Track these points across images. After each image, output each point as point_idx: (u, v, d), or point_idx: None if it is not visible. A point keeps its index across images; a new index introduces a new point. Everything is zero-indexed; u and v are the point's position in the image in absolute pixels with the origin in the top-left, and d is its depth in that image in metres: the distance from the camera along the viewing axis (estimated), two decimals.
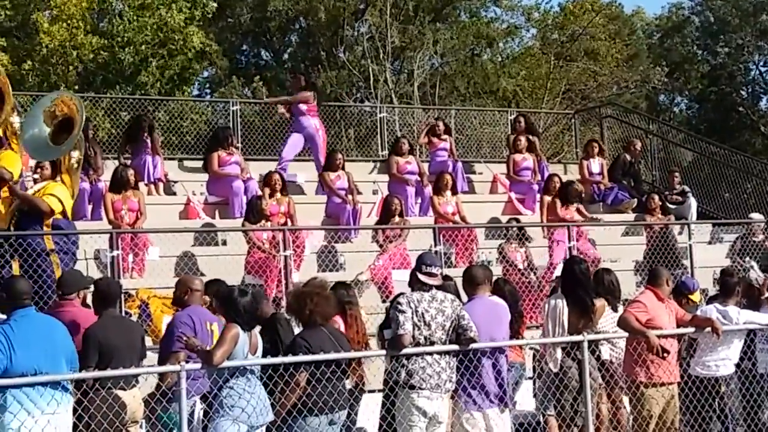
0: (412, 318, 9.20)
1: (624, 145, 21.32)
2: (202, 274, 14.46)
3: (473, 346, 9.40)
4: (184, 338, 8.96)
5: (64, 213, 11.87)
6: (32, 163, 12.64)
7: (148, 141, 17.12)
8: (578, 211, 17.37)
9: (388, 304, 13.87)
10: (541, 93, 35.45)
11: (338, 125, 27.17)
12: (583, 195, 18.07)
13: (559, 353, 10.39)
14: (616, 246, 17.84)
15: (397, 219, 15.96)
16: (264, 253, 14.32)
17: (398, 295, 9.56)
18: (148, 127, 17.33)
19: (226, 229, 15.83)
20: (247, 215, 15.16)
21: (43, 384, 7.90)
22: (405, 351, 9.15)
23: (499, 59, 37.85)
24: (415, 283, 9.50)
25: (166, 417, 9.45)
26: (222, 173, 16.96)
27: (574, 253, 14.88)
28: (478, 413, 9.62)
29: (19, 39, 29.51)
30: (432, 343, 9.25)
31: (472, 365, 9.50)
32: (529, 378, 11.92)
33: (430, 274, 9.48)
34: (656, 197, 18.84)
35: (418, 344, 9.20)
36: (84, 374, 8.38)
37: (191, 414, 9.07)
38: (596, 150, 20.30)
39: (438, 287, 9.55)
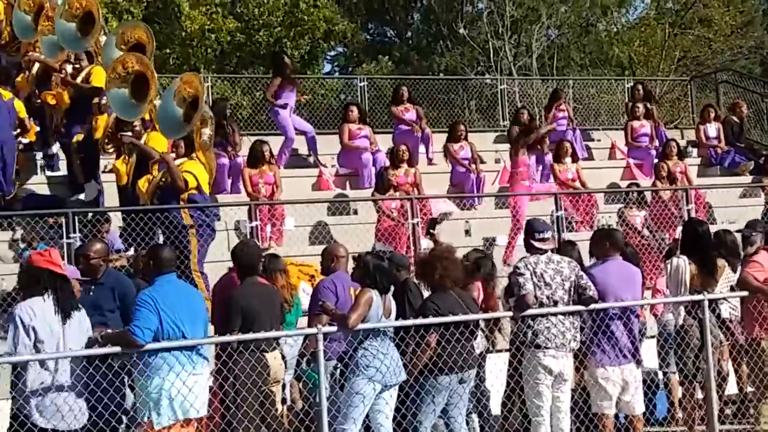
0: (532, 279, 9.20)
1: (728, 107, 20.85)
2: (336, 242, 14.62)
3: (593, 306, 9.32)
4: (320, 303, 9.04)
5: (199, 188, 12.03)
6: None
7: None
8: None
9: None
10: (657, 61, 34.79)
11: (461, 98, 27.12)
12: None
13: (682, 312, 10.23)
14: (733, 208, 17.42)
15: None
16: (393, 221, 14.36)
17: (520, 260, 9.55)
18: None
19: (357, 199, 15.88)
20: (376, 186, 15.20)
21: (189, 348, 7.98)
22: (531, 312, 9.12)
23: (614, 30, 37.25)
24: (530, 249, 9.51)
25: (306, 377, 9.56)
26: (352, 146, 17.03)
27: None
28: (612, 368, 9.54)
29: (160, 24, 30.03)
30: (555, 303, 9.23)
31: (604, 325, 9.43)
32: (651, 337, 11.74)
33: (544, 239, 9.49)
34: None
35: (541, 304, 9.18)
36: (228, 337, 8.47)
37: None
38: (712, 115, 19.89)
39: (555, 251, 9.54)
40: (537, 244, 9.44)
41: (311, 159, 17.59)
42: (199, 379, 8.09)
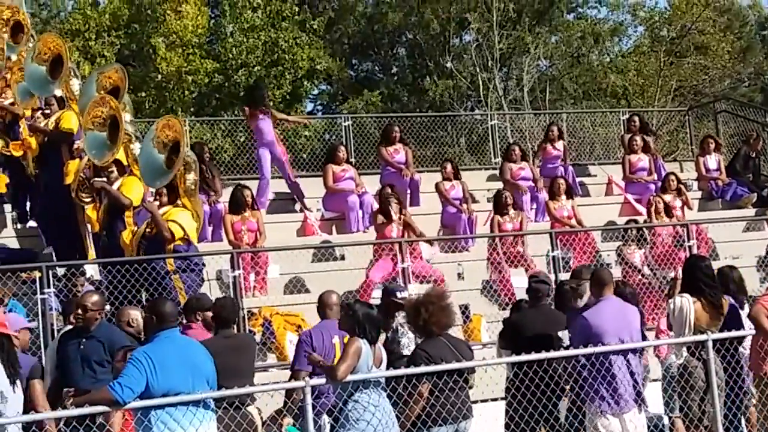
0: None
1: (744, 139, 20.91)
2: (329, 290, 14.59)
3: (590, 350, 9.33)
4: (306, 354, 9.04)
5: (185, 238, 12.03)
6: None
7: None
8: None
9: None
10: (653, 91, 34.96)
11: (450, 134, 27.17)
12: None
13: (684, 352, 10.22)
14: (737, 242, 17.46)
15: (512, 212, 16.01)
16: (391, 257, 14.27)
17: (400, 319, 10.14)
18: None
19: (343, 244, 15.87)
20: (381, 208, 15.27)
21: (185, 403, 7.85)
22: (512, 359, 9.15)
23: (608, 59, 37.45)
24: (391, 307, 10.33)
25: None
26: (337, 188, 17.04)
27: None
28: (614, 418, 9.54)
29: (135, 67, 30.12)
30: None
31: (603, 369, 9.44)
32: (654, 380, 11.72)
33: (404, 298, 10.45)
34: None
35: None
36: (209, 394, 8.18)
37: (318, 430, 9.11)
38: (712, 146, 19.98)
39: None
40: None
41: (297, 206, 17.57)
42: None
